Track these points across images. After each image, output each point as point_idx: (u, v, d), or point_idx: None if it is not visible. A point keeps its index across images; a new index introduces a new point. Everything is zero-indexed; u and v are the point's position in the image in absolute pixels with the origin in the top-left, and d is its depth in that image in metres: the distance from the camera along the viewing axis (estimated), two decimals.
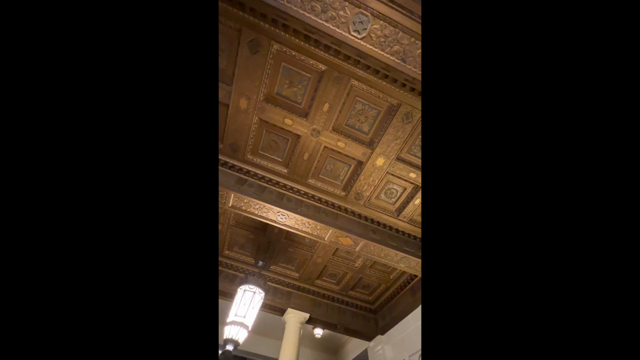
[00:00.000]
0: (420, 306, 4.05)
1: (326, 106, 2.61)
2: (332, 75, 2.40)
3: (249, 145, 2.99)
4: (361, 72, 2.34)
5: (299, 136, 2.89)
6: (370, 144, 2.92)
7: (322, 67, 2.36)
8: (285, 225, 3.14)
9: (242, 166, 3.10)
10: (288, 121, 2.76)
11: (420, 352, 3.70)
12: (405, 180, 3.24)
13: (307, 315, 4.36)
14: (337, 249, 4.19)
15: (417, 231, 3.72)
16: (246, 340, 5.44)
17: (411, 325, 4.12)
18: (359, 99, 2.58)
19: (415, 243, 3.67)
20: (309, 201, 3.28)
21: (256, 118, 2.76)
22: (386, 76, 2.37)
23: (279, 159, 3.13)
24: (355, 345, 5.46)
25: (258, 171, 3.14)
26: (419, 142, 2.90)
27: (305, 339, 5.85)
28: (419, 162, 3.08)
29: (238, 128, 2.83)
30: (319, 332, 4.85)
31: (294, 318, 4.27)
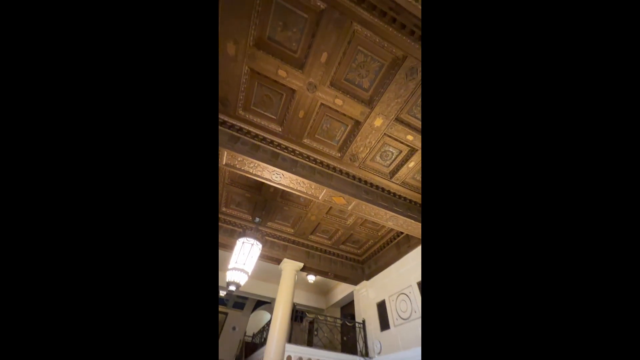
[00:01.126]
0: (402, 258, 4.53)
1: (324, 56, 2.35)
2: (332, 17, 2.09)
3: (240, 99, 2.78)
4: (366, 13, 2.04)
5: (294, 91, 2.69)
6: (370, 103, 2.77)
7: (321, 5, 2.04)
8: (280, 184, 3.20)
9: (234, 123, 2.95)
10: (282, 73, 2.51)
11: (397, 293, 4.30)
12: (402, 143, 3.20)
13: (301, 264, 4.86)
14: (330, 207, 4.40)
15: (408, 193, 3.87)
16: (248, 284, 6.10)
17: (392, 273, 4.68)
18: (361, 48, 2.32)
19: (405, 204, 3.86)
20: (304, 161, 3.27)
21: (246, 68, 2.50)
22: (394, 20, 2.08)
23: (273, 116, 2.97)
24: (343, 289, 6.29)
25: (251, 129, 3.01)
26: (419, 102, 2.75)
27: (300, 283, 6.68)
28: (417, 124, 2.99)
29: (227, 79, 2.58)
30: (312, 278, 5.49)
31: (290, 266, 4.75)
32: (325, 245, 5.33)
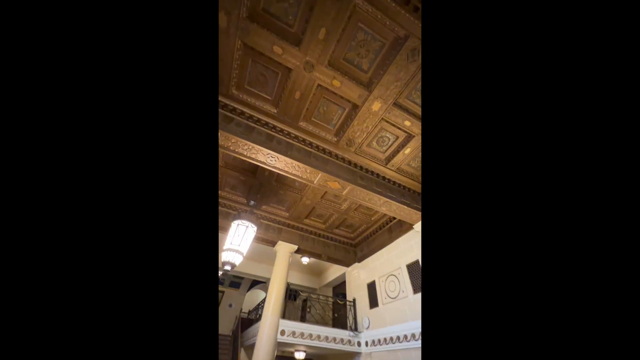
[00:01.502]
0: (393, 242, 4.69)
1: (322, 32, 2.22)
2: None
3: (233, 77, 2.65)
4: None
5: (290, 70, 2.56)
6: (369, 85, 2.68)
7: None
8: (275, 167, 3.17)
9: (228, 102, 2.84)
10: (277, 49, 2.38)
11: (387, 275, 4.51)
12: (399, 128, 3.16)
13: (295, 247, 4.98)
14: (325, 192, 4.43)
15: (403, 179, 3.91)
16: (243, 265, 6.26)
17: (384, 256, 4.87)
18: (362, 25, 2.19)
19: (399, 190, 3.92)
20: (300, 145, 3.22)
21: (240, 42, 2.35)
22: None
23: (268, 97, 2.86)
24: (335, 270, 6.55)
25: (246, 109, 2.90)
26: (419, 87, 2.68)
27: (294, 265, 6.91)
28: (415, 109, 2.94)
29: (219, 55, 2.43)
30: (305, 259, 5.67)
31: (284, 248, 4.87)
32: (319, 229, 5.44)
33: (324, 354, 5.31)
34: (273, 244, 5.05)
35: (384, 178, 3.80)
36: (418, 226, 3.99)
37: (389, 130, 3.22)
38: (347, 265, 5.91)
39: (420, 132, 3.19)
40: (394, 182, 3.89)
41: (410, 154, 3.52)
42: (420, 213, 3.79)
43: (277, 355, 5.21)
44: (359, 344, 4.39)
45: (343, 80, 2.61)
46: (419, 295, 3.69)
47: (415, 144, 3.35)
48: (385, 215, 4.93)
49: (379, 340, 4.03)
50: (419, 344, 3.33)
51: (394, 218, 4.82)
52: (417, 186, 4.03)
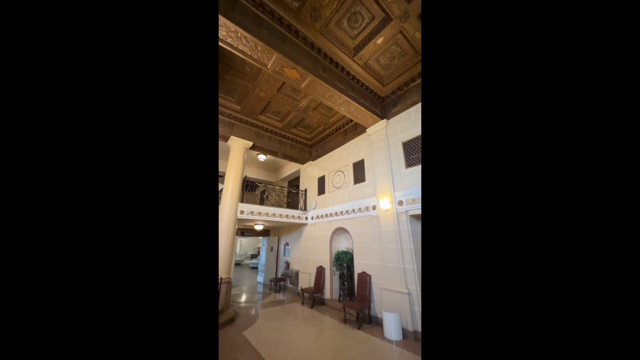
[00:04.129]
0: (346, 143, 5.06)
1: None
2: None
3: None
4: None
5: None
6: None
7: None
8: None
9: None
10: None
11: (336, 171, 5.17)
12: (379, 4, 2.52)
13: (250, 143, 4.87)
14: (282, 83, 3.88)
15: (367, 78, 3.63)
16: None
17: (335, 156, 5.35)
18: None
19: (361, 90, 3.72)
20: (248, 4, 2.34)
21: None
22: None
23: None
24: (292, 167, 7.10)
25: None
26: None
27: (251, 161, 7.08)
28: None
29: None
30: (262, 157, 5.79)
31: (238, 144, 4.72)
32: (276, 127, 5.24)
33: (279, 227, 6.73)
34: (225, 139, 4.77)
35: (348, 74, 3.43)
36: (371, 130, 4.23)
37: (366, 5, 2.55)
38: (302, 163, 6.39)
39: (401, 13, 2.64)
40: (358, 80, 3.60)
41: (382, 46, 3.08)
42: (375, 117, 3.89)
43: (238, 228, 6.36)
44: (306, 218, 5.62)
45: None
46: (358, 185, 4.54)
47: (390, 32, 2.86)
48: (343, 118, 4.93)
49: (322, 215, 5.23)
50: (346, 216, 4.50)
51: (350, 121, 4.90)
52: (379, 88, 3.88)
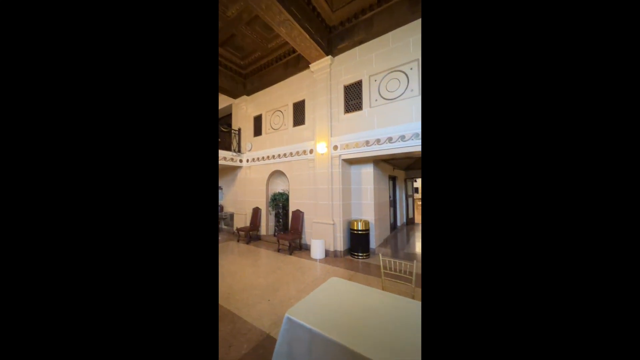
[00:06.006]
0: (287, 79, 4.50)
1: None
2: None
3: None
4: None
5: None
6: None
7: None
8: None
9: None
10: None
11: (274, 110, 4.73)
12: None
13: None
14: None
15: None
16: None
17: (274, 93, 4.78)
18: None
19: (307, 10, 3.12)
20: None
21: None
22: None
23: None
24: (222, 101, 5.96)
25: None
26: None
27: None
28: None
29: None
30: None
31: None
32: None
33: None
34: None
35: None
36: (315, 66, 3.84)
37: None
38: (235, 97, 5.46)
39: None
40: None
41: None
42: (320, 50, 3.49)
43: None
44: (240, 161, 5.25)
45: None
46: (297, 127, 4.38)
47: None
48: (284, 45, 4.20)
49: (258, 158, 4.99)
50: (284, 159, 4.48)
51: (294, 52, 4.26)
52: (327, 13, 3.35)
